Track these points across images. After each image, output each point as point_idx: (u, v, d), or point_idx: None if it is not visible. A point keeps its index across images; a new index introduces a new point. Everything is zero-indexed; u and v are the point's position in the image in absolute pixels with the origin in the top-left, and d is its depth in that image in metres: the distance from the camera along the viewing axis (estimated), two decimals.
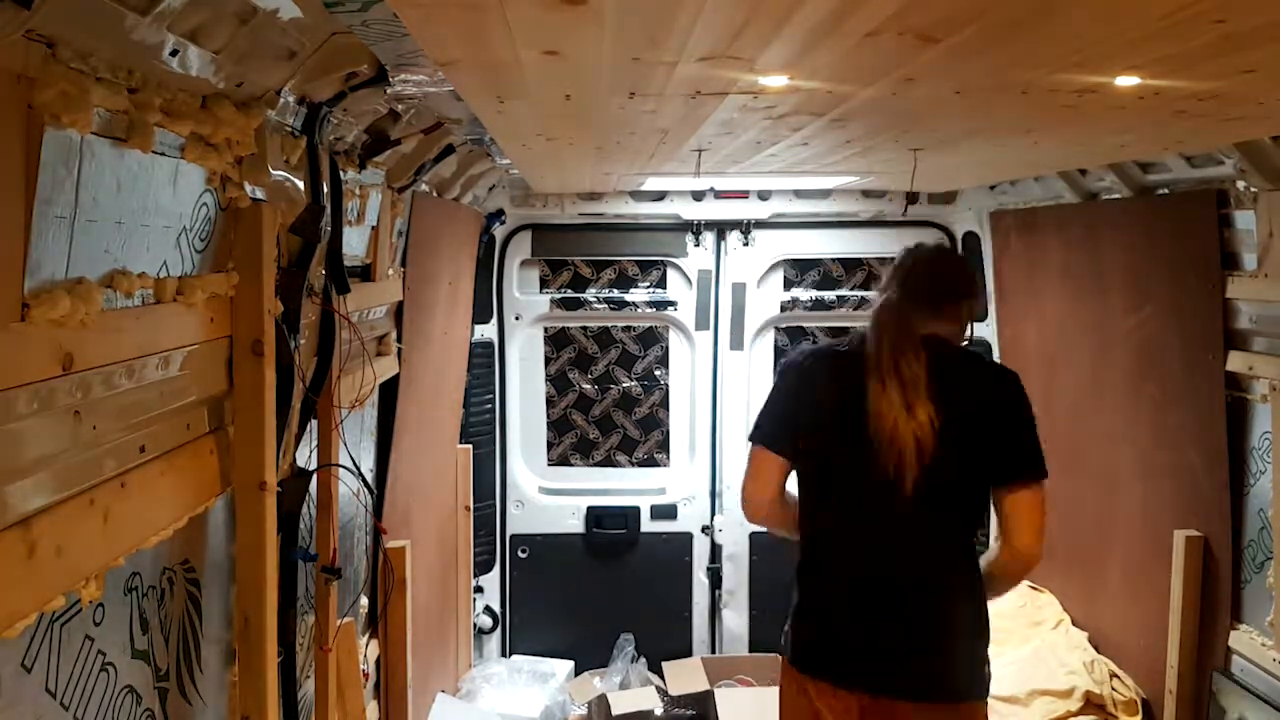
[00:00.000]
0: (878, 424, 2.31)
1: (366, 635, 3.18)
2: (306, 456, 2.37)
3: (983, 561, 2.51)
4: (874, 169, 3.45)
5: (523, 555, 4.86)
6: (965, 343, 2.51)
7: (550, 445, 4.95)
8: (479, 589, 4.75)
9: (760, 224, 4.66)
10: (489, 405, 4.78)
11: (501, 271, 4.73)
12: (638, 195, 4.58)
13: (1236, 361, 2.82)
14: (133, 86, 1.36)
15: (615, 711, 4.34)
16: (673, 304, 4.80)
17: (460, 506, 4.44)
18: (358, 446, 2.80)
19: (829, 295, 4.81)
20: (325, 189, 2.21)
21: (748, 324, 4.78)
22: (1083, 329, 3.73)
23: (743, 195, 4.55)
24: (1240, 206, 2.77)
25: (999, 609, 4.13)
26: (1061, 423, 3.99)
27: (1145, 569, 3.29)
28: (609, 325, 4.89)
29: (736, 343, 4.79)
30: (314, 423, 2.39)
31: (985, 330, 4.63)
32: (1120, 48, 1.41)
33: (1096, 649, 3.61)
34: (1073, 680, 3.47)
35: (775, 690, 2.63)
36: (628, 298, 4.81)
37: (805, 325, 4.87)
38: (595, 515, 4.82)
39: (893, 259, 2.55)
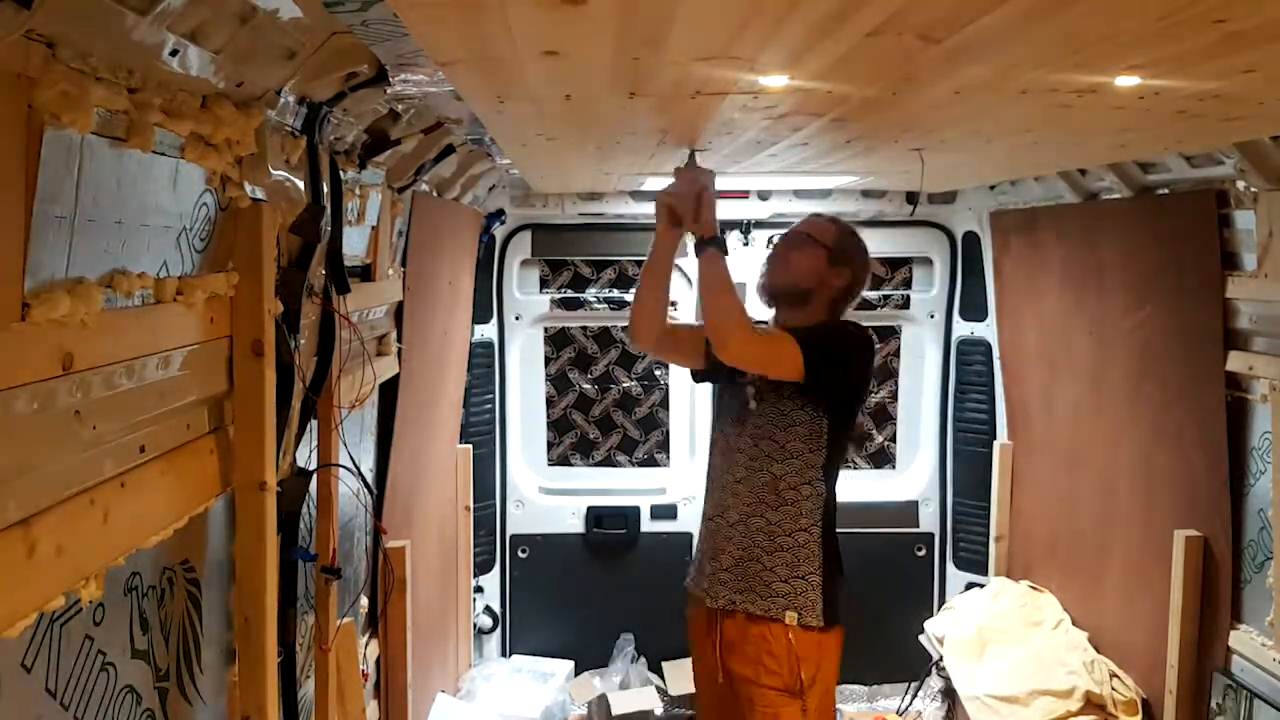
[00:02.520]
0: None
1: (366, 635, 3.18)
2: (306, 456, 2.37)
3: None
4: (875, 169, 3.45)
5: (523, 555, 4.86)
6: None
7: (550, 445, 4.95)
8: (479, 589, 4.75)
9: (760, 224, 4.66)
10: (489, 405, 4.78)
11: (501, 271, 4.73)
12: (638, 195, 4.57)
13: (1236, 361, 2.82)
14: (133, 86, 1.36)
15: (615, 711, 4.34)
16: (673, 304, 4.79)
17: (460, 506, 4.44)
18: (358, 446, 2.80)
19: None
20: (325, 189, 2.21)
21: None
22: (1083, 329, 3.73)
23: (743, 195, 4.55)
24: (1240, 206, 2.77)
25: (999, 609, 4.15)
26: (1061, 423, 4.00)
27: (1145, 569, 3.29)
28: (609, 325, 4.88)
29: None
30: (314, 423, 2.39)
31: (985, 330, 4.63)
32: (1120, 48, 1.41)
33: (1096, 649, 3.61)
34: (1073, 680, 3.47)
35: None
36: (628, 298, 4.80)
37: None
38: (595, 515, 4.82)
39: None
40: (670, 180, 2.85)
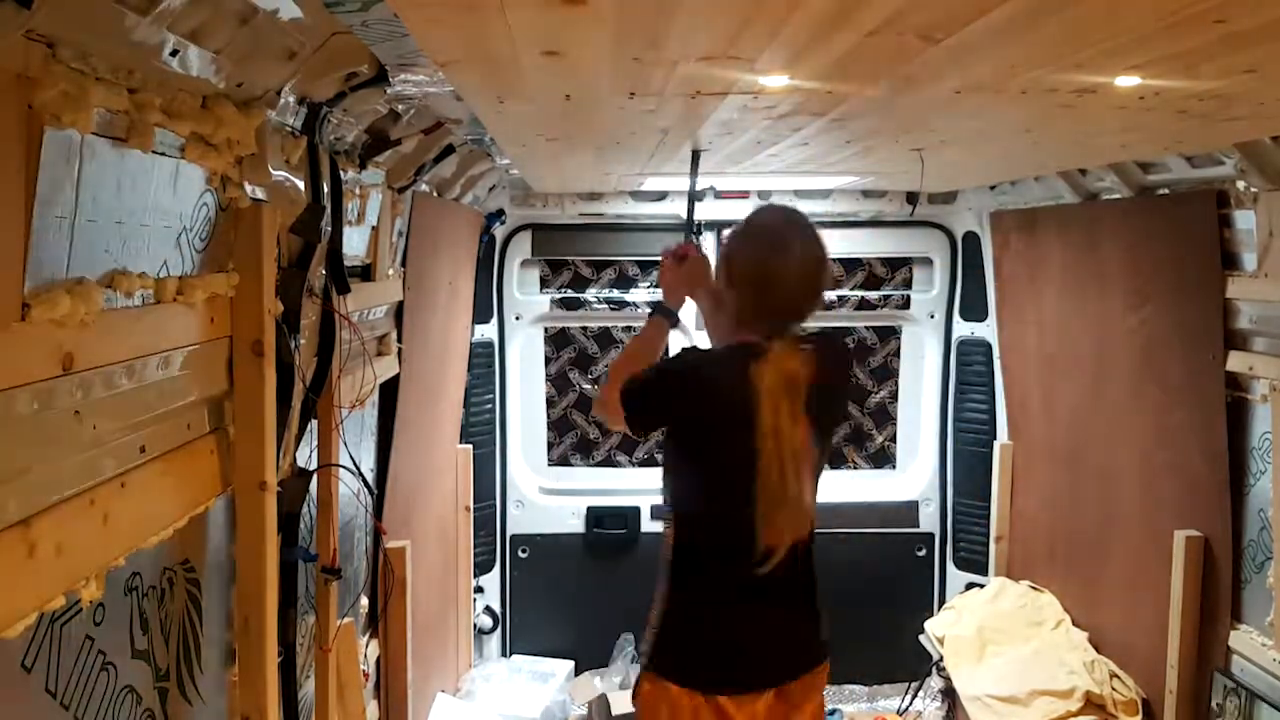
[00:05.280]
0: None
1: (366, 635, 3.18)
2: (306, 456, 2.37)
3: None
4: (875, 169, 3.45)
5: (523, 555, 4.86)
6: None
7: (550, 445, 4.95)
8: (479, 589, 4.75)
9: None
10: (489, 405, 4.78)
11: (501, 271, 4.72)
12: (638, 195, 4.58)
13: (1236, 361, 2.82)
14: (133, 86, 1.36)
15: (615, 711, 4.34)
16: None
17: (460, 506, 4.44)
18: (358, 446, 2.80)
19: (829, 295, 4.81)
20: (325, 189, 2.21)
21: None
22: (1083, 329, 3.73)
23: (743, 195, 4.55)
24: (1240, 206, 2.77)
25: (999, 609, 4.15)
26: (1061, 423, 4.00)
27: (1145, 569, 3.29)
28: (609, 325, 4.88)
29: None
30: (314, 423, 2.39)
31: (985, 330, 4.63)
32: (1120, 48, 1.41)
33: (1096, 649, 3.61)
34: (1073, 680, 3.47)
35: None
36: (628, 298, 4.81)
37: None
38: (595, 515, 4.82)
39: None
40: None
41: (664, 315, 2.61)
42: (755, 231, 2.38)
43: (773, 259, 2.30)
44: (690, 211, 2.93)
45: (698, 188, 2.98)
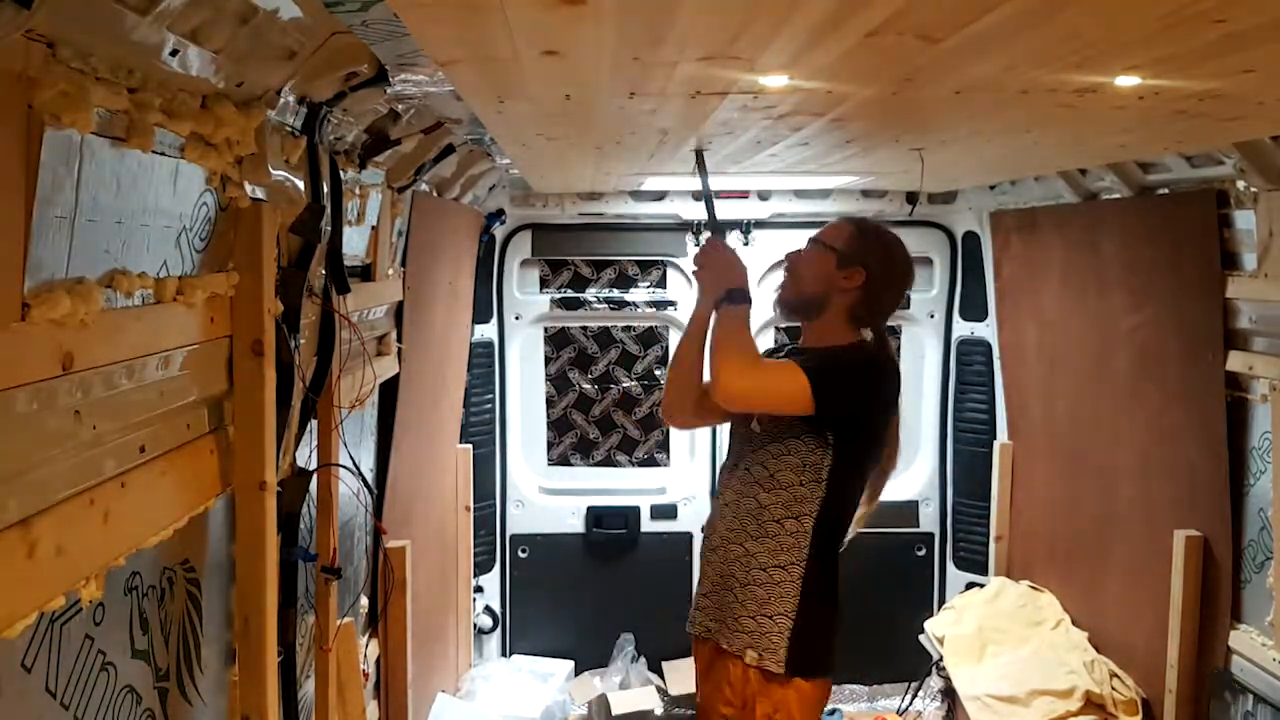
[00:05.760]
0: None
1: (366, 635, 3.18)
2: (306, 456, 2.37)
3: None
4: (875, 169, 3.45)
5: (523, 555, 4.86)
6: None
7: (550, 445, 4.95)
8: (479, 589, 4.75)
9: (760, 224, 4.66)
10: (489, 405, 4.78)
11: (501, 271, 4.73)
12: (638, 195, 4.58)
13: (1236, 361, 2.82)
14: (133, 86, 1.36)
15: (615, 711, 4.34)
16: (673, 304, 4.81)
17: (460, 506, 4.44)
18: (358, 446, 2.80)
19: None
20: (325, 189, 2.21)
21: None
22: (1083, 329, 3.73)
23: (743, 195, 4.55)
24: (1240, 206, 2.77)
25: (999, 609, 4.15)
26: (1061, 423, 4.00)
27: (1145, 569, 3.29)
28: (609, 325, 4.89)
29: None
30: (314, 423, 2.39)
31: (985, 330, 4.63)
32: (1120, 48, 1.41)
33: (1096, 649, 3.62)
34: (1073, 680, 3.47)
35: None
36: (628, 298, 4.81)
37: None
38: (595, 515, 4.82)
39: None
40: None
41: (744, 301, 2.61)
42: (894, 243, 2.66)
43: (909, 272, 2.70)
44: (710, 210, 2.89)
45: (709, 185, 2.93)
